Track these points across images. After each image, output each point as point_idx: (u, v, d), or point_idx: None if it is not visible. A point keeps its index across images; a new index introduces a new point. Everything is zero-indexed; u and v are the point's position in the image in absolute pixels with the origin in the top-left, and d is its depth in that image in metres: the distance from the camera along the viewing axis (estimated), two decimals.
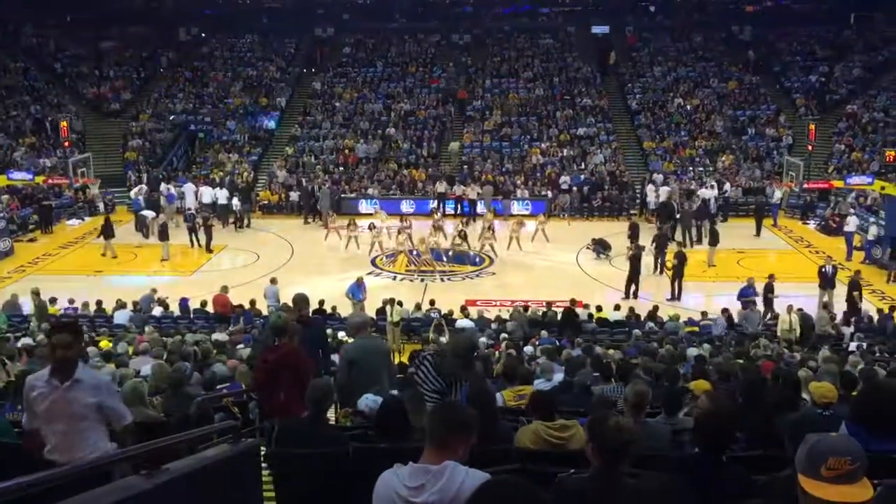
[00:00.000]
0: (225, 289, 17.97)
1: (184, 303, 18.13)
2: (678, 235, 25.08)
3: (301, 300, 8.44)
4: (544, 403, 5.29)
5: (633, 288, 19.96)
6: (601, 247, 23.22)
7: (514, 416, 6.34)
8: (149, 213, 25.65)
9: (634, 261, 19.97)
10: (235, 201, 27.08)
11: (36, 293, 17.12)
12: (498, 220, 26.26)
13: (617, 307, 17.90)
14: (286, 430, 5.12)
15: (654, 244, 21.92)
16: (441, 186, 29.30)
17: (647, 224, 25.64)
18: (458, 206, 28.83)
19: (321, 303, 16.34)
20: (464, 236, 23.59)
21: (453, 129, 34.26)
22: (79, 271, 22.09)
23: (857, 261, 23.08)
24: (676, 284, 19.82)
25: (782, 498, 3.11)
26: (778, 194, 28.23)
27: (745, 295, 18.09)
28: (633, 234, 22.22)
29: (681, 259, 19.89)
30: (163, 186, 28.56)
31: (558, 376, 8.88)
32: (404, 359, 12.68)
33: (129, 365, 10.03)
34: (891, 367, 11.00)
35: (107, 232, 23.48)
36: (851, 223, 24.44)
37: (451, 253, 23.42)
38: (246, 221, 27.44)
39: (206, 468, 3.99)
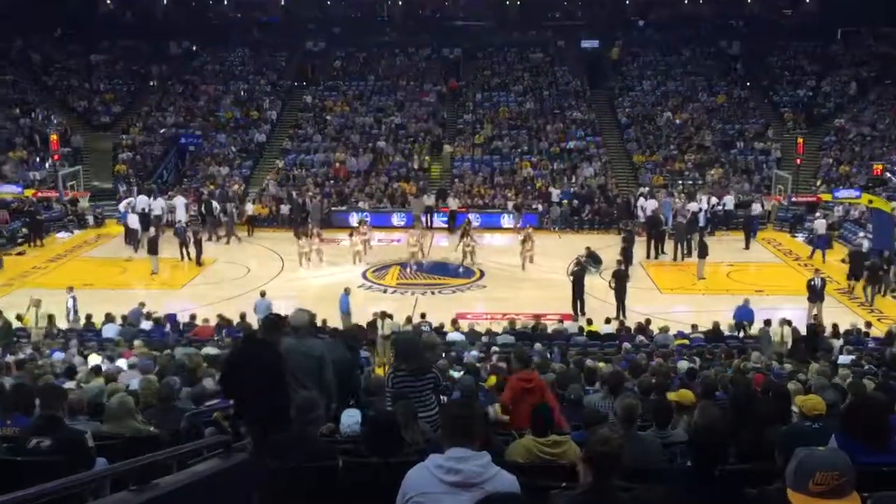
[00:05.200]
0: (206, 321, 17.75)
1: (172, 318, 18.02)
2: (669, 248, 25.22)
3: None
4: (542, 420, 5.28)
5: (578, 305, 19.80)
6: (592, 260, 23.05)
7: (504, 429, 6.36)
8: (133, 219, 25.55)
9: (577, 278, 19.91)
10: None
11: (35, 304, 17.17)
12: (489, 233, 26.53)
13: (607, 320, 17.94)
14: (275, 444, 5.11)
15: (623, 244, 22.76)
16: (429, 199, 29.33)
17: (638, 237, 25.66)
18: (451, 220, 28.79)
19: (312, 316, 16.24)
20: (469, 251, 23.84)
21: (445, 135, 34.49)
22: (68, 285, 21.94)
23: (843, 273, 23.16)
24: (620, 304, 19.58)
25: None
26: (758, 207, 28.39)
27: (739, 318, 17.82)
28: (626, 250, 22.54)
29: (619, 278, 19.78)
30: (127, 201, 28.27)
31: None
32: None
33: (118, 379, 9.96)
34: (879, 379, 11.04)
35: None
36: (820, 226, 25.22)
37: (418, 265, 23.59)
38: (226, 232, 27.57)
39: (196, 483, 3.97)
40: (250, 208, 28.59)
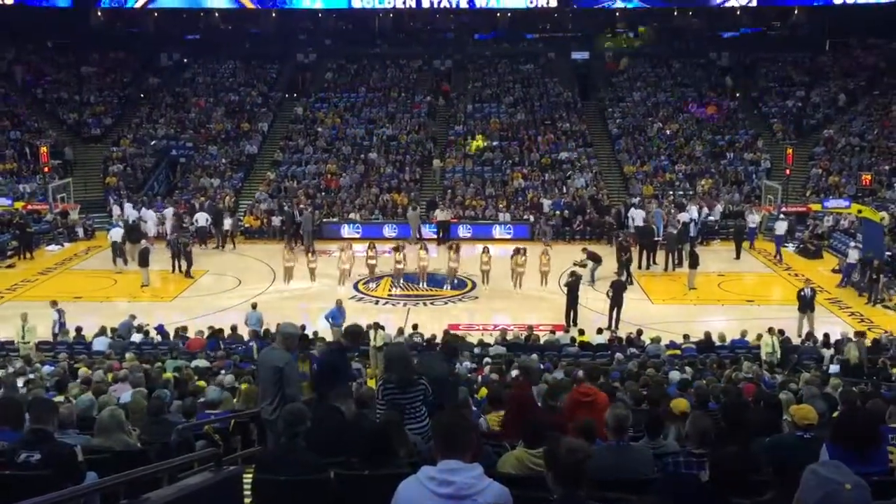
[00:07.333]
0: (201, 333, 17.68)
1: (161, 329, 17.96)
2: (660, 259, 25.26)
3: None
4: (534, 430, 5.27)
5: (572, 316, 19.77)
6: (592, 259, 22.88)
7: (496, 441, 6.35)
8: (116, 232, 25.42)
9: (571, 289, 19.90)
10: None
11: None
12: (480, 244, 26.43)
13: (599, 331, 17.94)
14: (265, 457, 5.09)
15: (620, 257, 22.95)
16: (415, 212, 29.31)
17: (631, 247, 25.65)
18: (441, 231, 28.78)
19: (303, 328, 16.23)
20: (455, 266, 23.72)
21: (436, 143, 34.58)
22: (57, 298, 21.82)
23: (833, 283, 23.26)
24: (614, 314, 19.54)
25: None
26: (756, 218, 28.47)
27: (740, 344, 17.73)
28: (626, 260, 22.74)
29: (617, 288, 19.74)
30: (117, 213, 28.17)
31: None
32: None
33: (108, 392, 9.91)
34: (869, 389, 11.09)
35: None
36: (780, 227, 26.46)
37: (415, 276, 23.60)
38: (220, 243, 27.71)
39: (187, 496, 3.95)
40: (228, 223, 28.35)
